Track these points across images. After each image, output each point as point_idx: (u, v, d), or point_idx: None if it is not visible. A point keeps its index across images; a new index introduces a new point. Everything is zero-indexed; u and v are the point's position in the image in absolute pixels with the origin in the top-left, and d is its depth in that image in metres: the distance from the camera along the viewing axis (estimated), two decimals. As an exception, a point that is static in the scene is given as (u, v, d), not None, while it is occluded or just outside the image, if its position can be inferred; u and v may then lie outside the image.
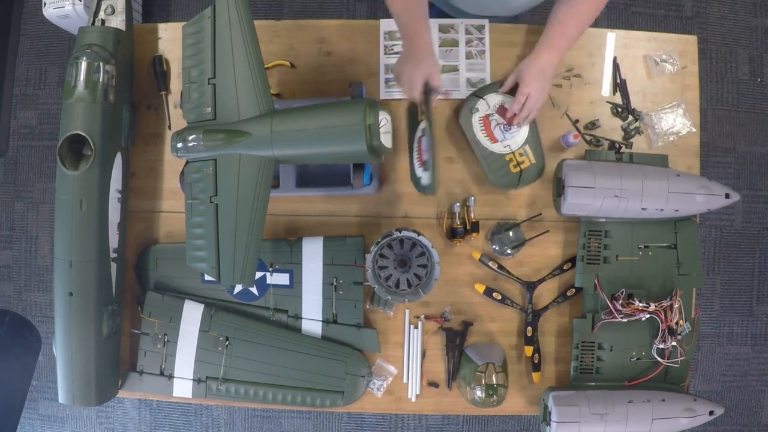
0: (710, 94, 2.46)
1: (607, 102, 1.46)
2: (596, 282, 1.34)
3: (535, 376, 1.40)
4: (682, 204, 1.32)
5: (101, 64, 1.28)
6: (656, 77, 1.47)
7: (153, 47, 1.49)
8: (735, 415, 2.45)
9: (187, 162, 1.23)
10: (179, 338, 1.39)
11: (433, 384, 1.41)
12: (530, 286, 1.41)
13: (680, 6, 2.51)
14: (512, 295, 1.42)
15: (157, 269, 1.43)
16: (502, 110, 1.38)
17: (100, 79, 1.28)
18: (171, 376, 1.39)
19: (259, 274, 1.40)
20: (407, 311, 1.42)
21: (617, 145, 1.44)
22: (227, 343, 1.38)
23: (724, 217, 2.46)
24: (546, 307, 1.41)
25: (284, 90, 1.46)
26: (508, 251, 1.40)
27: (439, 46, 1.47)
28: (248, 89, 1.17)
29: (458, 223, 1.41)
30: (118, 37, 1.34)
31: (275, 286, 1.41)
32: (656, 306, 1.31)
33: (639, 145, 1.45)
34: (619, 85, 1.46)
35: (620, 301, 1.31)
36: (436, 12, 1.65)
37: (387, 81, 1.46)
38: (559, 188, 1.35)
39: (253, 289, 1.41)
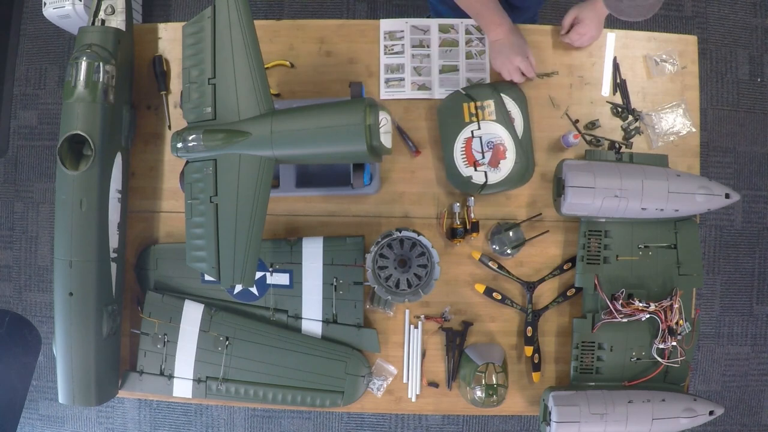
0: (710, 94, 2.46)
1: (607, 102, 1.46)
2: (596, 282, 1.34)
3: (535, 376, 1.40)
4: (682, 204, 1.31)
5: (101, 64, 1.28)
6: (656, 77, 1.47)
7: (153, 47, 1.49)
8: (735, 415, 2.45)
9: (187, 162, 1.23)
10: (179, 338, 1.39)
11: (433, 384, 1.41)
12: (530, 286, 1.41)
13: (680, 6, 2.50)
14: (512, 295, 1.42)
15: (157, 269, 1.43)
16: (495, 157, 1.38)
17: (100, 79, 1.28)
18: (171, 376, 1.39)
19: (259, 274, 1.40)
20: (407, 311, 1.42)
21: (617, 145, 1.44)
22: (227, 343, 1.38)
23: (724, 217, 2.46)
24: (546, 307, 1.41)
25: (284, 90, 1.46)
26: (508, 251, 1.40)
27: (439, 46, 1.47)
28: (248, 89, 1.17)
29: (458, 223, 1.41)
30: (118, 37, 1.34)
31: (275, 286, 1.41)
32: (656, 306, 1.31)
33: (639, 145, 1.45)
34: (619, 85, 1.46)
35: (620, 301, 1.31)
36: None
37: (387, 81, 1.46)
38: (559, 188, 1.35)
39: (253, 289, 1.41)
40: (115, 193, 1.34)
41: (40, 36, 2.52)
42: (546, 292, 1.43)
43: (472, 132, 1.37)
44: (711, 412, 1.30)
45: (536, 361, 1.40)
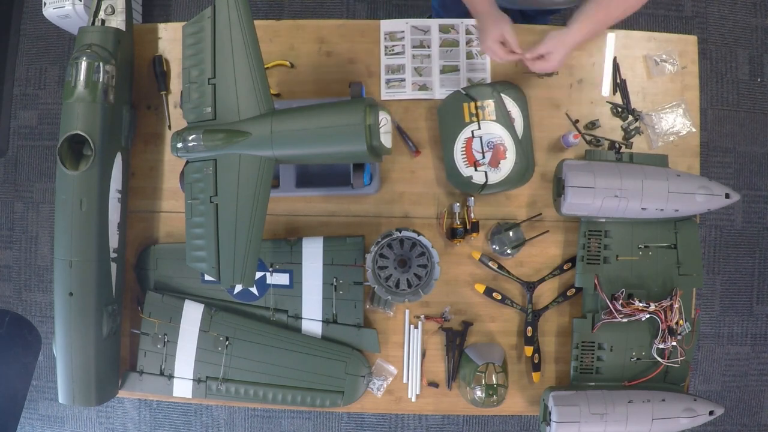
0: (710, 94, 2.46)
1: (607, 102, 1.46)
2: (596, 282, 1.34)
3: (535, 376, 1.40)
4: (682, 204, 1.31)
5: (101, 64, 1.28)
6: (656, 77, 1.47)
7: (153, 47, 1.49)
8: (735, 415, 2.45)
9: (187, 162, 1.23)
10: (179, 338, 1.39)
11: (433, 384, 1.41)
12: (530, 286, 1.41)
13: (680, 6, 2.51)
14: (512, 295, 1.42)
15: (157, 269, 1.43)
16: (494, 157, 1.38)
17: (100, 79, 1.28)
18: (171, 376, 1.39)
19: (259, 274, 1.40)
20: (407, 311, 1.42)
21: (617, 145, 1.44)
22: (227, 343, 1.38)
23: (724, 217, 2.46)
24: (546, 307, 1.41)
25: (284, 90, 1.46)
26: (508, 251, 1.40)
27: (440, 46, 1.47)
28: (248, 89, 1.17)
29: (458, 223, 1.41)
30: (118, 37, 1.34)
31: (275, 286, 1.41)
32: (656, 306, 1.31)
33: (639, 145, 1.45)
34: (619, 85, 1.46)
35: (620, 301, 1.31)
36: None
37: (388, 81, 1.46)
38: (559, 188, 1.35)
39: (253, 289, 1.41)
40: (115, 193, 1.34)
41: (40, 36, 2.52)
42: (546, 292, 1.43)
43: (472, 132, 1.37)
44: (711, 412, 1.30)
45: (536, 361, 1.40)
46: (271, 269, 1.41)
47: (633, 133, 1.45)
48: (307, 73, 1.47)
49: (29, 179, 2.50)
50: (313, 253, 1.39)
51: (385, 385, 1.41)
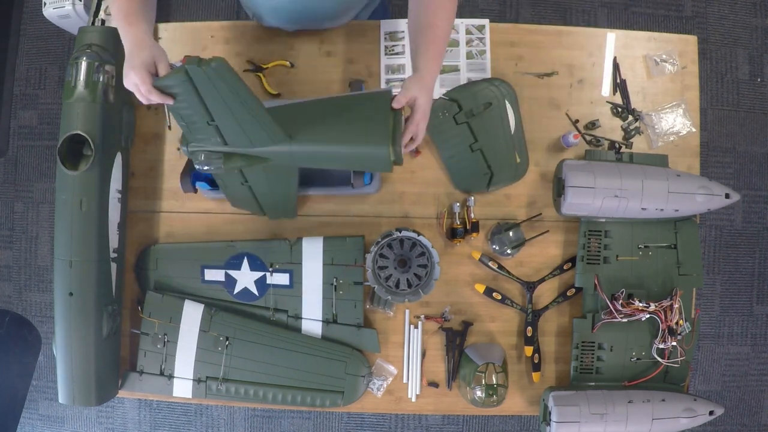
0: (710, 94, 2.46)
1: (607, 102, 1.46)
2: (596, 282, 1.34)
3: (535, 376, 1.40)
4: (682, 204, 1.32)
5: (101, 64, 1.28)
6: (656, 77, 1.47)
7: (153, 47, 1.49)
8: (735, 415, 2.45)
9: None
10: (179, 338, 1.39)
11: (433, 384, 1.41)
12: (530, 286, 1.41)
13: (680, 6, 2.51)
14: (512, 295, 1.42)
15: (157, 269, 1.43)
16: None
17: (100, 79, 1.28)
18: (171, 376, 1.39)
19: (259, 274, 1.41)
20: (407, 311, 1.42)
21: (617, 145, 1.44)
22: (227, 343, 1.38)
23: (724, 217, 2.46)
24: (546, 307, 1.41)
25: (284, 90, 1.46)
26: (508, 251, 1.40)
27: (439, 46, 1.47)
28: (255, 128, 1.08)
29: (458, 223, 1.41)
30: (118, 37, 1.34)
31: (275, 286, 1.41)
32: (656, 306, 1.31)
33: (639, 145, 1.45)
34: (619, 85, 1.46)
35: (620, 301, 1.31)
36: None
37: (388, 82, 1.46)
38: (559, 188, 1.35)
39: (254, 289, 1.41)
40: (115, 193, 1.34)
41: (40, 36, 2.52)
42: (546, 292, 1.43)
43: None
44: (711, 412, 1.30)
45: (536, 361, 1.40)
46: (271, 269, 1.41)
47: (633, 133, 1.45)
48: (307, 73, 1.47)
49: (29, 179, 2.50)
50: (313, 253, 1.39)
51: (385, 385, 1.41)
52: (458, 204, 1.42)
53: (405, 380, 1.41)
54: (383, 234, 1.30)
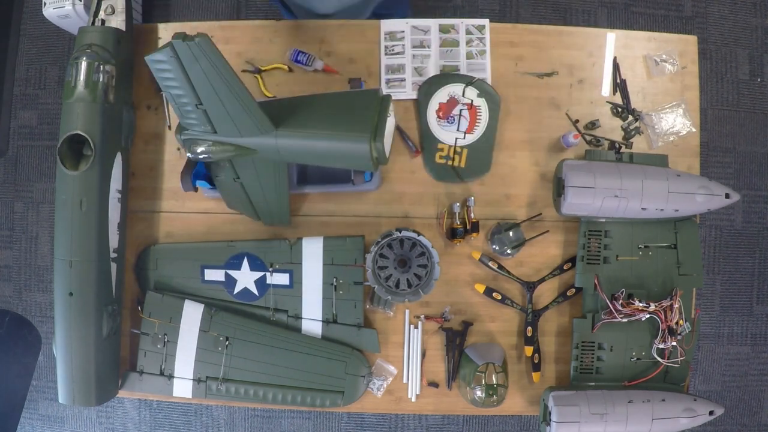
0: (710, 94, 2.46)
1: (607, 102, 1.46)
2: (596, 282, 1.34)
3: (535, 376, 1.40)
4: (682, 204, 1.32)
5: (101, 64, 1.28)
6: (656, 77, 1.47)
7: (153, 47, 1.49)
8: (735, 415, 2.45)
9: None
10: (179, 338, 1.39)
11: (433, 384, 1.41)
12: (530, 286, 1.41)
13: (680, 6, 2.51)
14: (512, 295, 1.42)
15: (157, 269, 1.43)
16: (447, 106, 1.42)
17: (100, 79, 1.28)
18: (171, 376, 1.39)
19: (259, 274, 1.41)
20: (407, 311, 1.42)
21: (617, 145, 1.44)
22: (227, 343, 1.38)
23: (724, 217, 2.46)
24: (546, 307, 1.41)
25: (283, 91, 1.46)
26: (508, 251, 1.40)
27: (440, 46, 1.47)
28: (240, 113, 1.12)
29: (458, 223, 1.41)
30: (118, 37, 1.34)
31: (275, 286, 1.41)
32: (656, 306, 1.31)
33: (639, 145, 1.45)
34: (619, 85, 1.46)
35: (620, 301, 1.31)
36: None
37: (388, 81, 1.46)
38: (559, 188, 1.35)
39: (254, 289, 1.41)
40: (115, 193, 1.34)
41: (40, 36, 2.52)
42: (546, 292, 1.43)
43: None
44: (711, 412, 1.30)
45: (536, 361, 1.40)
46: (271, 269, 1.41)
47: (633, 133, 1.45)
48: (306, 73, 1.47)
49: (29, 179, 2.50)
50: (313, 253, 1.39)
51: (385, 385, 1.41)
52: (458, 204, 1.42)
53: (405, 380, 1.41)
54: (383, 234, 1.30)
